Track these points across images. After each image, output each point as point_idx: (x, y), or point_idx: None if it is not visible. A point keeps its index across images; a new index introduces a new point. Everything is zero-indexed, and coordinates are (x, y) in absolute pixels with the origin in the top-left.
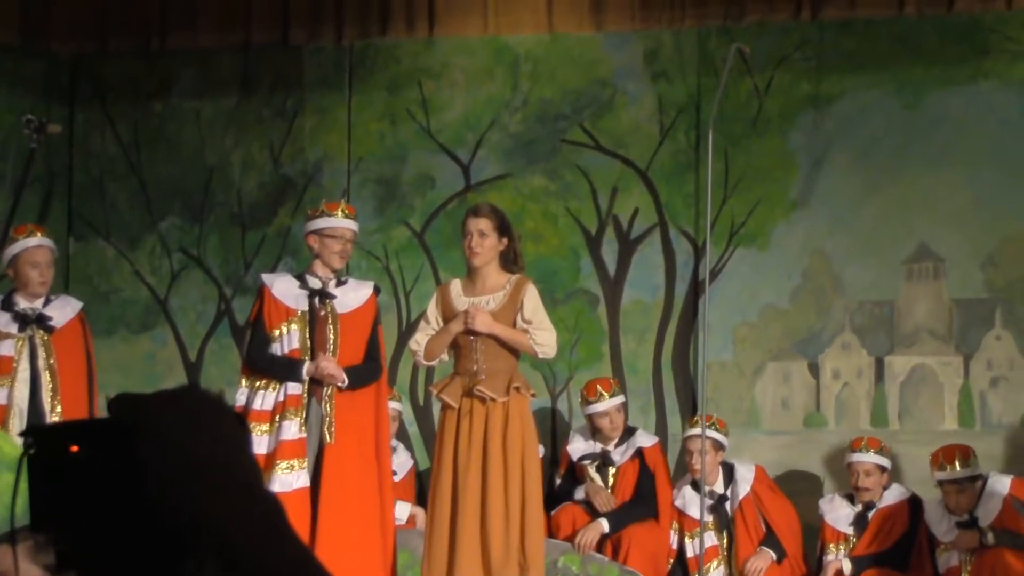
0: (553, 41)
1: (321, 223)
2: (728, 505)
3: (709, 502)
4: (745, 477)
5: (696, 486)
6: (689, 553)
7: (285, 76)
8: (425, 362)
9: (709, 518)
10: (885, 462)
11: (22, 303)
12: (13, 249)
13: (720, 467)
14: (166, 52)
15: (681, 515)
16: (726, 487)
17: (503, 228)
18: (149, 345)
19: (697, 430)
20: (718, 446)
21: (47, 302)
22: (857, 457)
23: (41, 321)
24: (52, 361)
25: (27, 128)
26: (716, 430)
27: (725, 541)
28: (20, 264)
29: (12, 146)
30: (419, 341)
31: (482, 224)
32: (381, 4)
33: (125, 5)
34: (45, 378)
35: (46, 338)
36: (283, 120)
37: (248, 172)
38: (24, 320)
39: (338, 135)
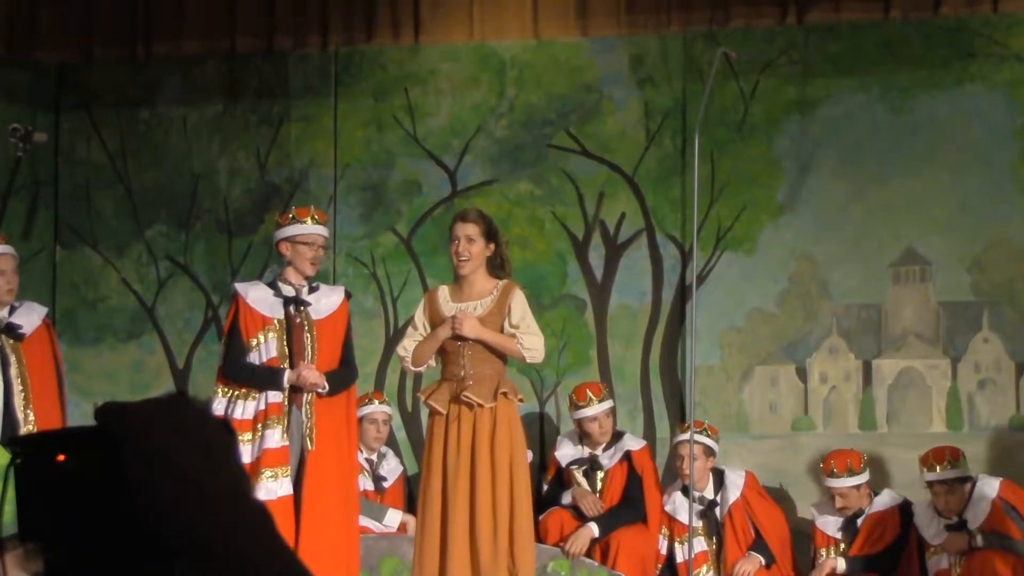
0: (539, 47)
1: (292, 230)
2: (718, 511)
3: (699, 508)
4: (735, 483)
5: (687, 491)
6: (679, 558)
7: (271, 83)
8: (413, 368)
9: (699, 523)
10: (860, 479)
11: None
12: None
13: (710, 473)
14: (151, 60)
15: (671, 520)
16: (716, 493)
17: (490, 233)
18: (136, 353)
19: (686, 435)
20: (708, 452)
21: (12, 310)
22: (830, 483)
23: (10, 330)
24: (23, 369)
25: (13, 137)
26: (707, 436)
27: (714, 547)
28: None
29: None
30: (407, 347)
31: (470, 229)
32: (366, 11)
33: (110, 13)
34: (17, 386)
35: (16, 347)
36: (269, 127)
37: (234, 179)
38: None
39: (324, 142)
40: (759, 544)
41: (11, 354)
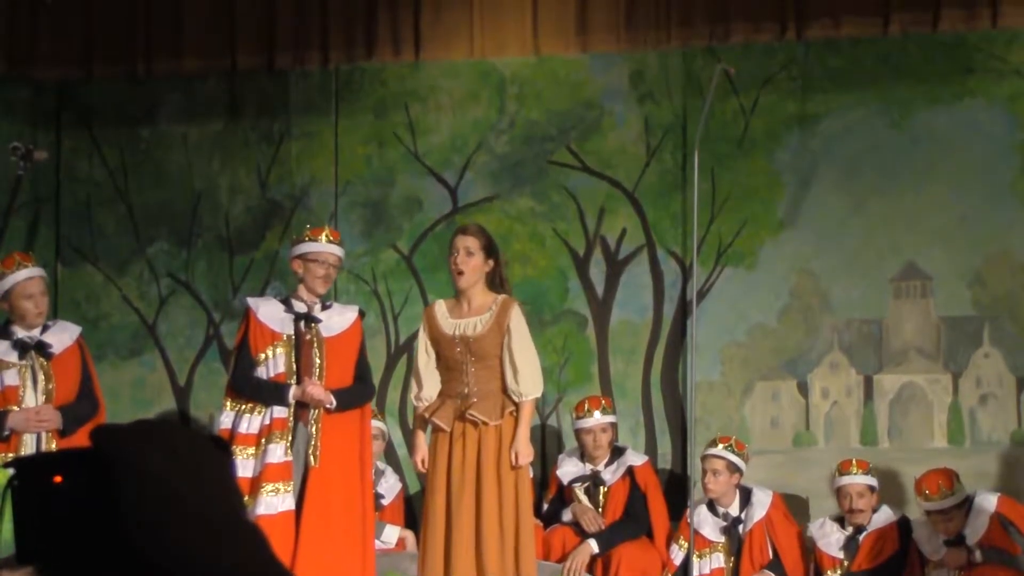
0: (539, 63)
1: (304, 248)
2: (741, 528)
3: (723, 524)
4: (762, 501)
5: (711, 506)
6: (695, 573)
7: (271, 100)
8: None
9: (722, 539)
10: (875, 483)
11: (20, 332)
12: (4, 284)
13: (737, 490)
14: (152, 77)
15: (694, 534)
16: (741, 510)
17: (490, 249)
18: (138, 370)
19: (713, 450)
20: (734, 468)
21: (45, 328)
22: (848, 480)
23: (41, 348)
24: (51, 387)
25: (14, 155)
26: (733, 452)
27: (732, 564)
28: (14, 298)
29: None
30: (422, 397)
31: (469, 242)
32: (367, 28)
33: (110, 31)
34: (41, 404)
35: (45, 365)
36: (270, 144)
37: (235, 196)
38: (24, 348)
39: (325, 159)
40: (775, 564)
41: (40, 372)
